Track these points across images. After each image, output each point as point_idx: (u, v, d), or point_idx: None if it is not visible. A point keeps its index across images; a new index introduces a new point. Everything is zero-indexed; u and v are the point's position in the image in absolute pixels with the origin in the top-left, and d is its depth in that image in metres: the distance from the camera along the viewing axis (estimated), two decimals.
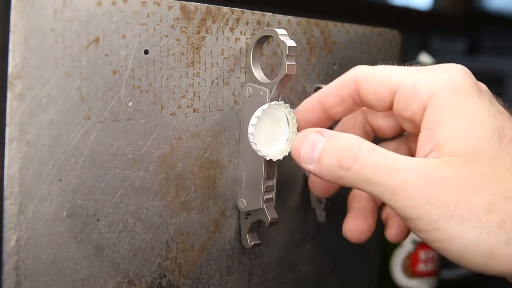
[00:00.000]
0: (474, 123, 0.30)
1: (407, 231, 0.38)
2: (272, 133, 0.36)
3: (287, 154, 0.36)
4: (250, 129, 0.35)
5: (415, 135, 0.35)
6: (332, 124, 0.40)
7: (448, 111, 0.31)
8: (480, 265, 0.29)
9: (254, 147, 0.35)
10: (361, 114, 0.40)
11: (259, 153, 0.35)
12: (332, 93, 0.37)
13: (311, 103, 0.38)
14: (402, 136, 0.40)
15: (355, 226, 0.38)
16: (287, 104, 0.36)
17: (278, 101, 0.36)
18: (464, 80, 0.32)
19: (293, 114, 0.36)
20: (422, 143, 0.32)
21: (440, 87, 0.31)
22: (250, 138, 0.35)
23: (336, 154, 0.32)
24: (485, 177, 0.29)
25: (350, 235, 0.38)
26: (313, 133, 0.33)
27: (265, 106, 0.35)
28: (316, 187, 0.41)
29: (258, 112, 0.35)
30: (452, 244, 0.29)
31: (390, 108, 0.35)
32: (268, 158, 0.36)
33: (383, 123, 0.38)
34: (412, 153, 0.39)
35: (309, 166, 0.33)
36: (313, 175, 0.39)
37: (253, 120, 0.35)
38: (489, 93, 0.33)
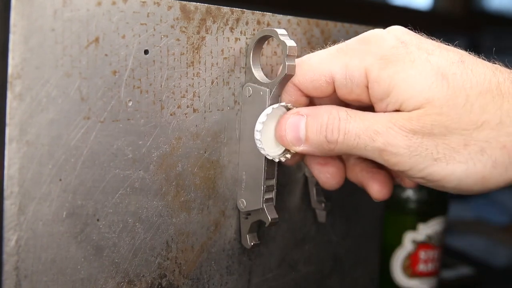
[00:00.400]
0: (415, 78, 0.32)
1: (391, 185, 0.40)
2: None
3: (289, 156, 0.37)
4: (257, 135, 0.36)
5: None
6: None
7: (388, 81, 0.33)
8: (478, 190, 0.33)
9: (263, 152, 0.36)
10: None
11: (268, 157, 0.36)
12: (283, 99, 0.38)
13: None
14: None
15: (377, 186, 0.39)
16: (289, 104, 0.36)
17: (280, 103, 0.36)
18: (392, 44, 0.33)
19: None
20: (381, 110, 0.34)
21: (372, 65, 0.33)
22: (258, 144, 0.36)
23: (321, 131, 0.34)
24: (449, 118, 0.32)
25: (381, 195, 0.39)
26: (292, 116, 0.35)
27: (268, 110, 0.36)
28: (323, 177, 0.41)
29: (262, 118, 0.36)
30: (447, 182, 0.32)
31: (333, 92, 0.36)
32: (277, 160, 0.36)
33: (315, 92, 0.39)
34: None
35: (299, 148, 0.35)
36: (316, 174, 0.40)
37: (258, 126, 0.36)
38: (421, 40, 0.34)
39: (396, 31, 0.35)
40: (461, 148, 0.32)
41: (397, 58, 0.33)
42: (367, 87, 0.34)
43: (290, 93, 0.37)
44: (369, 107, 0.35)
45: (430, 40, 0.35)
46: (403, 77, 0.33)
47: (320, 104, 0.38)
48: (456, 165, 0.32)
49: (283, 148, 0.37)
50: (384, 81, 0.33)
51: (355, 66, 0.34)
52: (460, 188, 0.33)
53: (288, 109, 0.36)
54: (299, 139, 0.35)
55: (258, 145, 0.36)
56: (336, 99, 0.38)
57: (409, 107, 0.33)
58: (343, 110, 0.34)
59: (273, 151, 0.36)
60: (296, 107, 0.37)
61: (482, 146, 0.32)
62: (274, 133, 0.36)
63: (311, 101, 0.38)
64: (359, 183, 0.40)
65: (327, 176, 0.39)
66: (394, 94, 0.33)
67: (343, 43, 0.36)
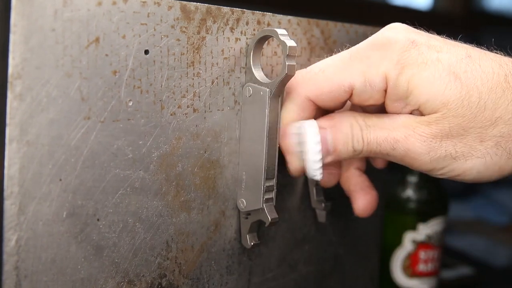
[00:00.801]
0: (429, 81, 0.34)
1: (375, 205, 0.42)
2: None
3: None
4: (316, 165, 0.37)
5: None
6: None
7: (406, 85, 0.34)
8: (496, 178, 0.35)
9: (317, 177, 0.37)
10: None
11: (315, 178, 0.37)
12: (296, 117, 0.38)
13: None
14: None
15: (363, 202, 0.41)
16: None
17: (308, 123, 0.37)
18: (404, 46, 0.35)
19: None
20: (398, 111, 0.36)
21: (391, 69, 0.35)
22: (315, 166, 0.37)
23: (347, 142, 0.36)
24: (465, 118, 0.33)
25: (363, 212, 0.41)
26: (318, 130, 0.36)
27: (313, 135, 0.36)
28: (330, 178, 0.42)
29: (315, 146, 0.36)
30: (467, 175, 0.35)
31: (347, 101, 0.37)
32: (319, 178, 0.37)
33: (330, 103, 0.39)
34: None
35: (328, 159, 0.37)
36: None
37: (315, 156, 0.37)
38: (428, 37, 0.35)
39: (402, 30, 0.35)
40: (477, 144, 0.34)
41: (411, 61, 0.34)
42: (385, 91, 0.36)
43: (303, 108, 0.37)
44: (381, 107, 0.37)
45: (436, 36, 0.36)
46: (418, 81, 0.34)
47: (329, 111, 0.39)
48: (475, 160, 0.34)
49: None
50: (402, 86, 0.34)
51: (375, 73, 0.35)
52: (479, 179, 0.35)
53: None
54: (328, 151, 0.36)
55: (314, 167, 0.37)
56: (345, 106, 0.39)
57: (426, 110, 0.34)
58: (360, 119, 0.36)
59: (313, 170, 0.37)
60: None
61: (497, 141, 0.34)
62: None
63: (319, 111, 0.39)
64: (347, 191, 0.42)
65: (324, 175, 0.40)
66: (412, 98, 0.34)
67: (354, 48, 0.36)
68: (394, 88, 0.35)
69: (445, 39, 0.36)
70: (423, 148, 0.34)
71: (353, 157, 0.37)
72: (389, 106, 0.36)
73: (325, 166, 0.39)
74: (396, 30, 0.35)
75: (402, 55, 0.34)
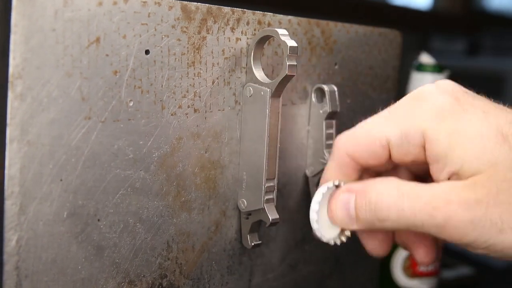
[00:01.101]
0: (475, 139, 0.31)
1: (437, 249, 0.38)
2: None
3: (349, 235, 0.35)
4: (313, 216, 0.35)
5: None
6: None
7: (446, 140, 0.31)
8: None
9: (318, 234, 0.35)
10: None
11: (323, 239, 0.35)
12: (336, 175, 0.36)
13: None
14: None
15: (425, 253, 0.37)
16: (342, 182, 0.35)
17: (334, 181, 0.35)
18: (445, 101, 0.32)
19: None
20: (438, 174, 0.32)
21: (428, 122, 0.32)
22: (315, 226, 0.35)
23: (370, 210, 0.32)
24: None
25: (427, 261, 0.38)
26: (342, 194, 0.34)
27: (324, 189, 0.35)
28: (370, 245, 0.38)
29: (318, 197, 0.35)
30: (510, 252, 0.30)
31: (389, 159, 0.35)
32: (332, 242, 0.36)
33: (375, 163, 0.37)
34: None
35: (352, 227, 0.33)
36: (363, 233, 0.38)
37: (315, 206, 0.35)
38: (474, 97, 0.33)
39: (447, 86, 0.33)
40: None
41: (454, 116, 0.31)
42: (424, 147, 0.32)
43: (342, 165, 0.36)
44: (426, 169, 0.34)
45: (481, 97, 0.33)
46: (462, 137, 0.31)
47: (375, 176, 0.36)
48: None
49: (338, 230, 0.35)
50: (443, 141, 0.31)
51: (410, 125, 0.33)
52: None
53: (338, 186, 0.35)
54: (351, 218, 0.33)
55: (314, 227, 0.35)
56: (393, 169, 0.36)
57: (470, 171, 0.30)
58: (393, 185, 0.32)
59: (328, 233, 0.35)
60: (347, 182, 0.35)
61: None
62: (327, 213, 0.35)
63: (367, 173, 0.37)
64: (404, 246, 0.38)
65: (375, 243, 0.37)
66: (454, 155, 0.31)
67: (395, 103, 0.34)
68: (433, 143, 0.32)
69: (490, 101, 0.33)
70: (466, 215, 0.30)
71: (379, 229, 0.33)
72: (431, 166, 0.33)
73: (371, 232, 0.36)
74: (440, 85, 0.33)
75: (443, 108, 0.32)
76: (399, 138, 0.33)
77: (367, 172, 0.37)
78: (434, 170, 0.32)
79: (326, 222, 0.35)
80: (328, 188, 0.35)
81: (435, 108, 0.32)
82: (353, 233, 0.36)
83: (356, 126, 0.36)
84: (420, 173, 0.37)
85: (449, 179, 0.32)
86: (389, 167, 0.36)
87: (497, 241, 0.30)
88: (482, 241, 0.30)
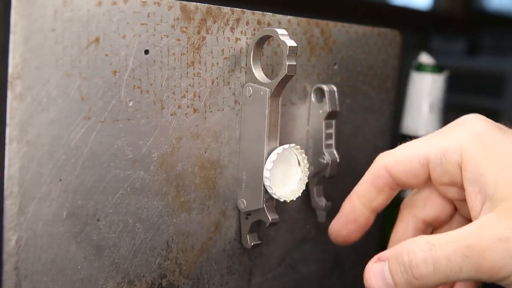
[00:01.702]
0: (510, 156, 0.31)
1: None
2: (285, 174, 0.38)
3: (299, 195, 0.38)
4: (266, 173, 0.37)
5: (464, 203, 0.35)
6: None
7: (484, 160, 0.31)
8: None
9: (269, 190, 0.37)
10: (410, 216, 0.39)
11: (273, 196, 0.37)
12: (368, 187, 0.37)
13: (351, 204, 0.38)
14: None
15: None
16: (298, 146, 0.38)
17: (290, 145, 0.37)
18: (485, 126, 0.33)
19: (304, 155, 0.38)
20: (473, 199, 0.32)
21: (468, 142, 0.32)
22: (266, 182, 0.37)
23: (406, 271, 0.31)
24: None
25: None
26: (374, 264, 0.33)
27: (279, 149, 0.37)
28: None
29: (273, 156, 0.36)
30: None
31: (427, 181, 0.35)
32: (282, 200, 0.37)
33: (432, 211, 0.38)
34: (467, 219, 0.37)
35: None
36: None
37: (268, 165, 0.36)
38: (507, 127, 0.34)
39: (486, 118, 0.34)
40: None
41: (494, 139, 0.32)
42: (461, 167, 0.32)
43: (378, 177, 0.36)
44: (462, 195, 0.34)
45: None
46: (500, 158, 0.31)
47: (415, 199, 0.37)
48: None
49: (290, 189, 0.38)
50: (480, 160, 0.31)
51: (450, 144, 0.33)
52: None
53: (297, 149, 0.38)
54: (389, 285, 0.32)
55: (266, 183, 0.37)
56: (434, 196, 0.37)
57: (505, 194, 0.30)
58: (423, 240, 0.31)
59: (279, 191, 0.38)
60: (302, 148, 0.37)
61: None
62: (282, 172, 0.38)
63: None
64: None
65: None
66: (489, 176, 0.31)
67: (438, 129, 0.35)
68: (470, 161, 0.31)
69: None
70: (500, 246, 0.28)
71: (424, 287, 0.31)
72: (467, 190, 0.32)
73: None
74: (481, 116, 0.34)
75: (484, 132, 0.32)
76: (438, 156, 0.33)
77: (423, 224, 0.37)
78: (469, 194, 0.32)
79: (279, 179, 0.38)
80: (283, 149, 0.37)
81: (476, 131, 0.33)
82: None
83: (399, 146, 0.36)
84: (457, 199, 0.36)
85: (483, 205, 0.31)
86: (422, 185, 0.36)
87: None
88: None
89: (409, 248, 0.31)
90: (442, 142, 0.33)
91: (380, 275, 0.33)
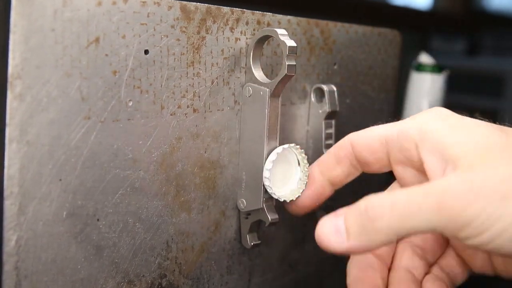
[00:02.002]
0: (470, 126, 0.31)
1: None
2: (285, 174, 0.38)
3: (299, 195, 0.37)
4: (266, 173, 0.37)
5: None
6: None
7: (443, 129, 0.31)
8: None
9: (269, 190, 0.37)
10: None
11: (273, 196, 0.37)
12: (329, 156, 0.37)
13: (311, 170, 0.38)
14: None
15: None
16: (298, 146, 0.38)
17: (290, 144, 0.37)
18: (445, 111, 0.33)
19: (303, 155, 0.38)
20: (433, 170, 0.31)
21: (429, 119, 0.32)
22: (266, 182, 0.37)
23: (361, 215, 0.29)
24: None
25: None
26: (327, 217, 0.31)
27: (279, 149, 0.37)
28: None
29: (273, 156, 0.37)
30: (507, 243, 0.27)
31: (385, 162, 0.35)
32: (282, 199, 0.37)
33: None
34: None
35: (343, 245, 0.31)
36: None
37: (268, 165, 0.37)
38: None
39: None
40: None
41: (457, 117, 0.32)
42: (417, 144, 0.32)
43: (342, 149, 0.36)
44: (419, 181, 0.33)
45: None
46: (461, 126, 0.31)
47: None
48: None
49: (289, 189, 0.38)
50: (439, 129, 0.31)
51: (412, 124, 0.33)
52: None
53: (297, 149, 0.38)
54: (340, 235, 0.30)
55: (266, 183, 0.37)
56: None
57: (463, 152, 0.29)
58: (381, 193, 0.30)
59: (279, 191, 0.38)
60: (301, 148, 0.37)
61: None
62: (282, 172, 0.38)
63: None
64: None
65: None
66: (450, 139, 0.30)
67: None
68: (429, 133, 0.31)
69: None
70: (463, 186, 0.27)
71: (375, 238, 0.29)
72: (425, 165, 0.32)
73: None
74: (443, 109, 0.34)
75: (447, 113, 0.33)
76: (395, 133, 0.34)
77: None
78: (428, 166, 0.31)
79: (279, 181, 0.38)
80: (283, 149, 0.37)
81: (439, 113, 0.33)
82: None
83: (364, 129, 0.36)
84: (413, 183, 0.36)
85: (445, 172, 0.30)
86: (380, 166, 0.36)
87: (505, 213, 0.26)
88: (485, 217, 0.26)
89: (367, 199, 0.30)
90: (405, 123, 0.34)
91: (334, 226, 0.31)
